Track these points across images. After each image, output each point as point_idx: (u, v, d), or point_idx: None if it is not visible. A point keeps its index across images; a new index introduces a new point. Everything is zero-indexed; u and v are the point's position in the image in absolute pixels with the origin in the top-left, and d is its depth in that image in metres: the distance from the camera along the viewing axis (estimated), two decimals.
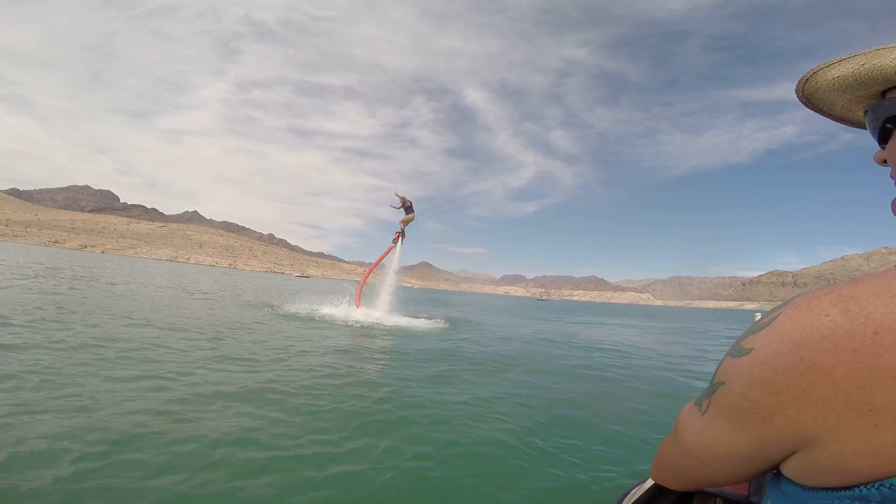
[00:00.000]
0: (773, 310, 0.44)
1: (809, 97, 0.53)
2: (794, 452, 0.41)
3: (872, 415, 0.34)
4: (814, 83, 0.51)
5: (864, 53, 0.47)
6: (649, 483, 1.02)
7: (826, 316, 0.37)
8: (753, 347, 0.42)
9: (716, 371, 0.48)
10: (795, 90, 0.53)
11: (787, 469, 0.43)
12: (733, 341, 0.47)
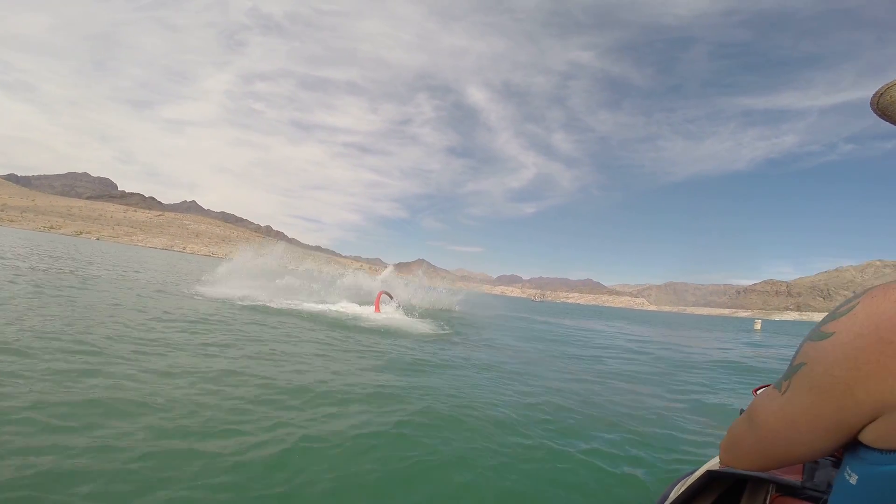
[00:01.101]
0: (850, 300, 0.52)
1: (885, 109, 0.57)
2: (871, 420, 0.49)
3: None
4: (889, 97, 0.55)
5: None
6: (699, 472, 1.02)
7: None
8: (835, 331, 0.50)
9: (795, 356, 0.56)
10: (870, 102, 0.57)
11: (866, 436, 0.50)
12: (813, 328, 0.54)
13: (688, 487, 0.97)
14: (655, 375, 7.79)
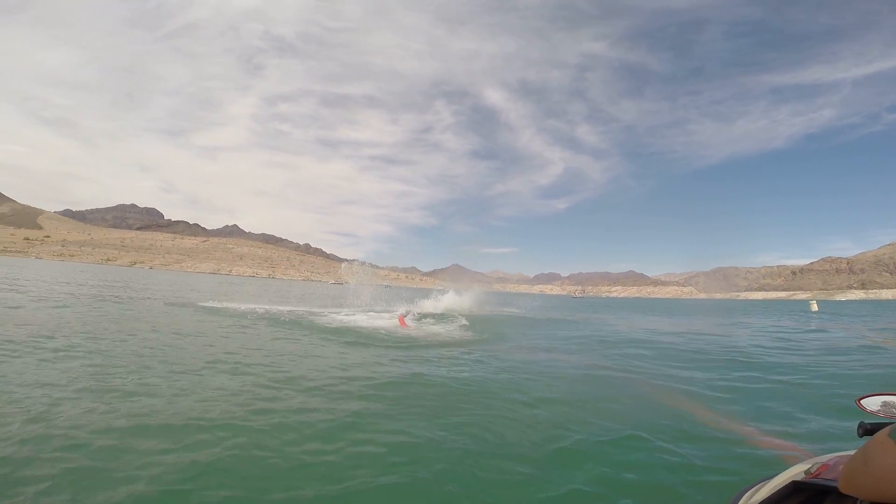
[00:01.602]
0: None
1: None
2: None
3: None
4: None
5: None
6: (782, 481, 0.98)
7: None
8: None
9: None
10: None
11: None
12: None
13: (771, 496, 0.94)
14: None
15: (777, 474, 1.13)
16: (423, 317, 14.36)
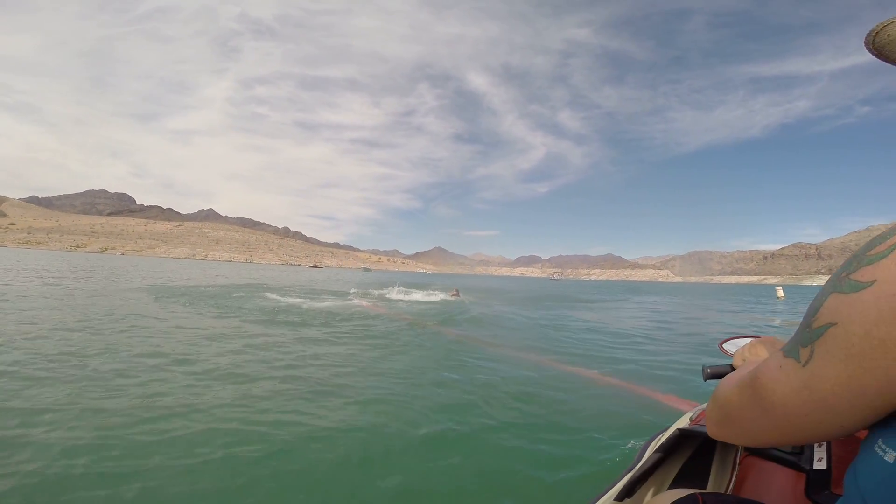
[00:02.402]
0: (885, 236, 0.40)
1: (881, 49, 0.51)
2: None
3: None
4: (886, 35, 0.50)
5: None
6: (671, 431, 1.01)
7: None
8: (875, 279, 0.38)
9: (814, 313, 0.43)
10: (865, 43, 0.52)
11: None
12: (834, 277, 0.42)
13: (660, 446, 0.96)
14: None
15: (671, 424, 1.21)
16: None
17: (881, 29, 0.50)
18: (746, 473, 0.96)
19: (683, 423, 1.15)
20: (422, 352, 6.81)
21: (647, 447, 1.08)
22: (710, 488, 0.87)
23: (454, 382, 4.86)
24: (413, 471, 2.76)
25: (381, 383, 4.72)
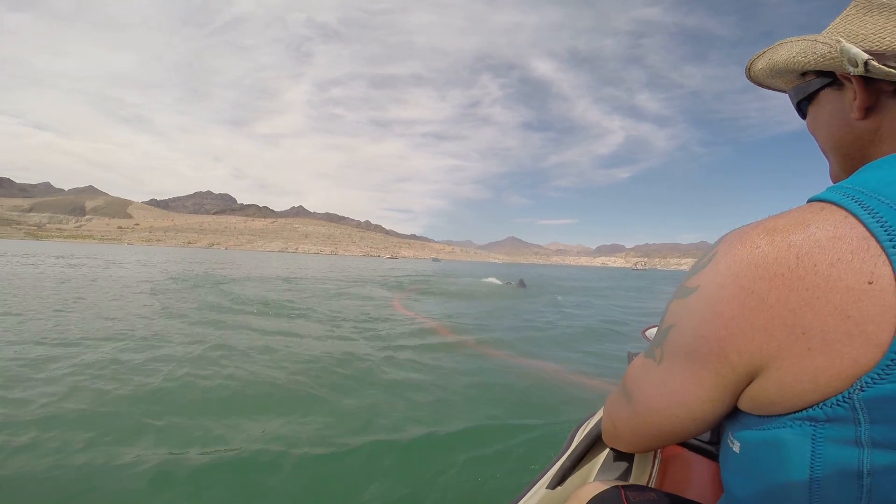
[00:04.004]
0: (709, 250, 0.45)
1: (755, 81, 0.58)
2: (748, 384, 0.42)
3: (806, 338, 0.37)
4: (752, 71, 0.57)
5: (771, 48, 0.53)
6: (596, 418, 1.01)
7: (757, 248, 0.40)
8: (699, 285, 0.43)
9: (663, 317, 0.48)
10: (745, 73, 0.58)
11: (743, 403, 0.44)
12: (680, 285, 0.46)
13: (586, 435, 0.97)
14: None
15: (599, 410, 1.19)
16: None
17: (749, 65, 0.57)
18: (667, 461, 0.98)
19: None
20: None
21: (576, 433, 1.08)
22: (633, 478, 0.90)
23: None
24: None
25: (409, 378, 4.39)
